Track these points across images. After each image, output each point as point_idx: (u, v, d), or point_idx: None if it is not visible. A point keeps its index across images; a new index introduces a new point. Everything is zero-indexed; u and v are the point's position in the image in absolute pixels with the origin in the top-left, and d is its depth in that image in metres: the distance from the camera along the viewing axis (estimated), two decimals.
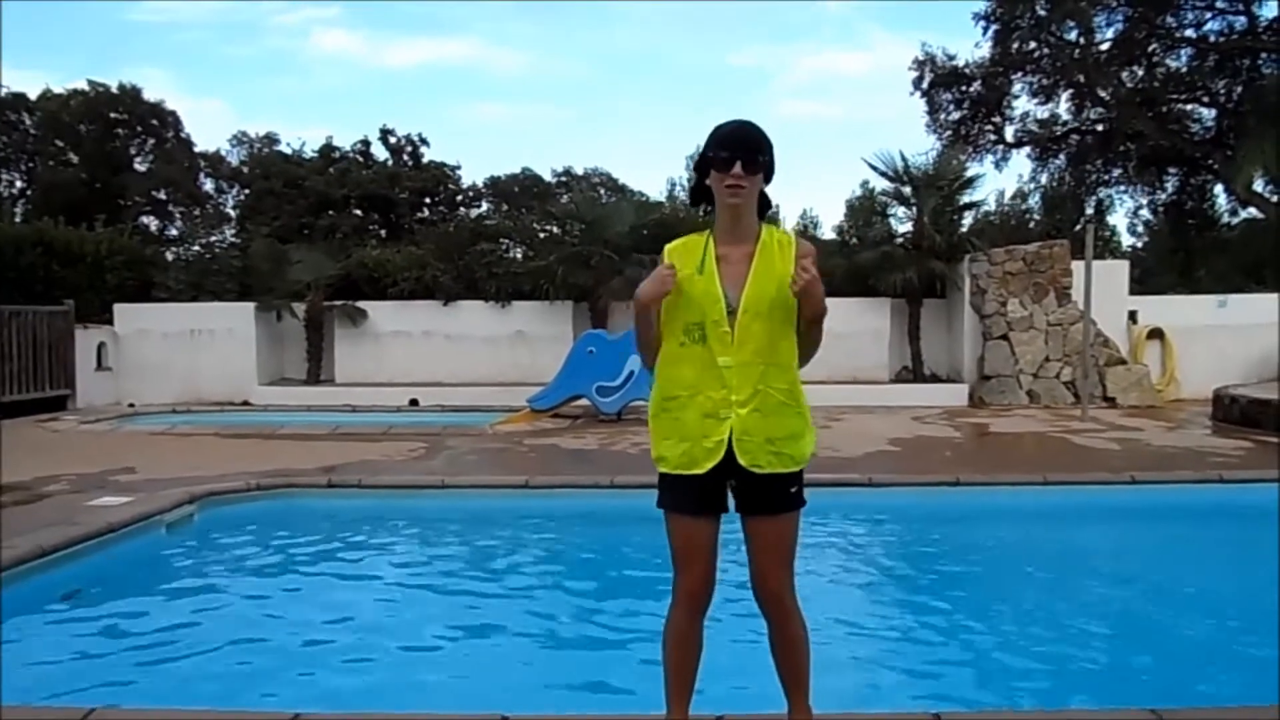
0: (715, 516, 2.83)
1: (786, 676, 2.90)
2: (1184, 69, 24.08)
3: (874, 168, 15.60)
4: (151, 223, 34.92)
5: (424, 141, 36.14)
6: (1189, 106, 25.13)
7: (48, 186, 33.10)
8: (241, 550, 6.22)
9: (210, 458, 9.15)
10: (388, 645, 4.42)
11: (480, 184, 37.24)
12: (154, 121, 35.88)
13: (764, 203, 2.88)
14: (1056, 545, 6.62)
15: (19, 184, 35.85)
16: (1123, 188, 27.96)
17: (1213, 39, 23.20)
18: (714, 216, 2.88)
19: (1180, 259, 27.17)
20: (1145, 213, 29.88)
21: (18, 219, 29.32)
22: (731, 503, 2.84)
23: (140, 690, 3.84)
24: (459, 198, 36.53)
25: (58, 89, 34.73)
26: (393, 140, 35.97)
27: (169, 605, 4.96)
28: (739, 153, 2.74)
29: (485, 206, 36.45)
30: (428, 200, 35.48)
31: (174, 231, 35.54)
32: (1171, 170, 26.46)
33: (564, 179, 36.88)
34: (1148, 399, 13.90)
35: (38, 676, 3.95)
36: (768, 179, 2.84)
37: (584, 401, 12.31)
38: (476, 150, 55.89)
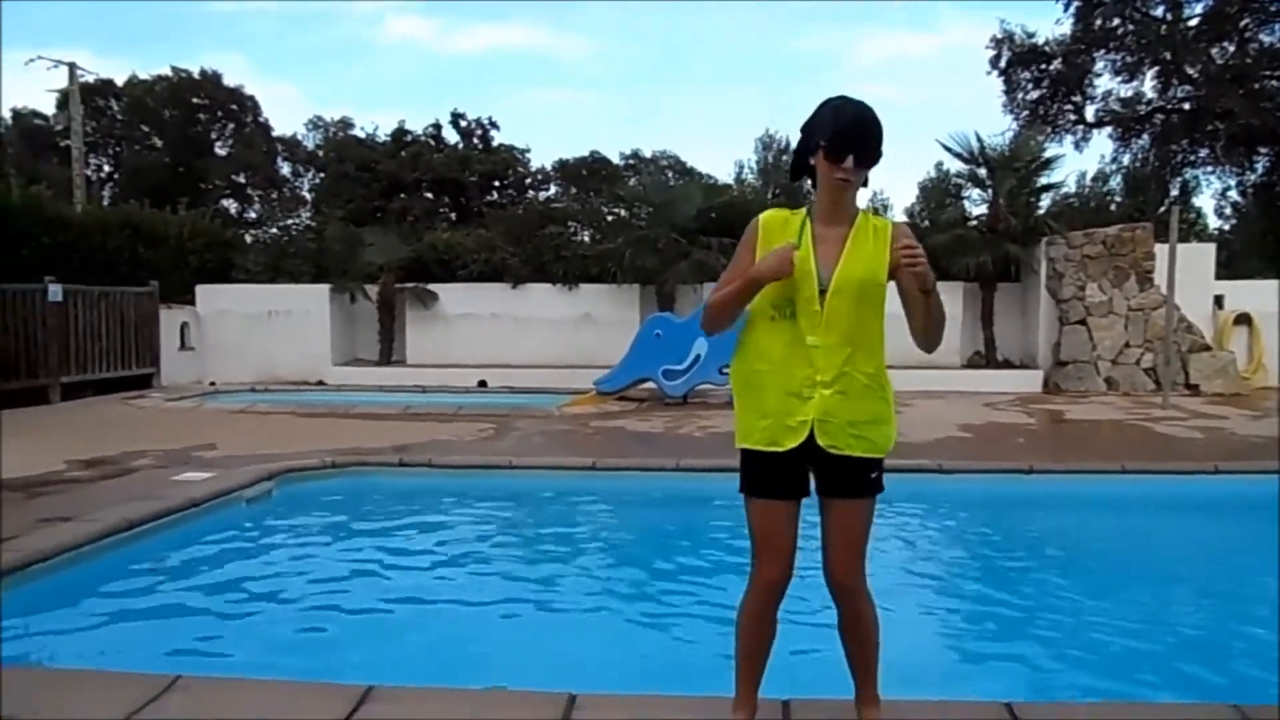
0: (796, 501, 2.80)
1: (855, 662, 2.88)
2: (1278, 44, 23.07)
3: (948, 149, 15.26)
4: (231, 205, 35.94)
5: (494, 125, 36.48)
6: None
7: (134, 170, 34.25)
8: (317, 525, 6.40)
9: (287, 435, 9.40)
10: (457, 620, 4.52)
11: (549, 167, 37.48)
12: (234, 107, 36.86)
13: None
14: (1135, 536, 6.43)
15: (107, 168, 37.15)
16: (1210, 168, 26.95)
17: None
18: (809, 197, 2.85)
19: (1270, 242, 26.09)
20: (1234, 194, 28.87)
21: (105, 202, 30.42)
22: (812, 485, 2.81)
23: (221, 659, 3.97)
24: (528, 181, 36.80)
25: (143, 75, 35.87)
26: (463, 124, 36.34)
27: (249, 577, 5.12)
28: (853, 147, 2.69)
29: (554, 189, 36.68)
30: (497, 184, 35.80)
31: (253, 214, 36.56)
32: (1262, 150, 25.38)
33: (632, 162, 36.88)
34: (1233, 387, 13.43)
35: (125, 644, 4.12)
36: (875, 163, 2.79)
37: (650, 385, 12.33)
38: (545, 134, 56.55)
